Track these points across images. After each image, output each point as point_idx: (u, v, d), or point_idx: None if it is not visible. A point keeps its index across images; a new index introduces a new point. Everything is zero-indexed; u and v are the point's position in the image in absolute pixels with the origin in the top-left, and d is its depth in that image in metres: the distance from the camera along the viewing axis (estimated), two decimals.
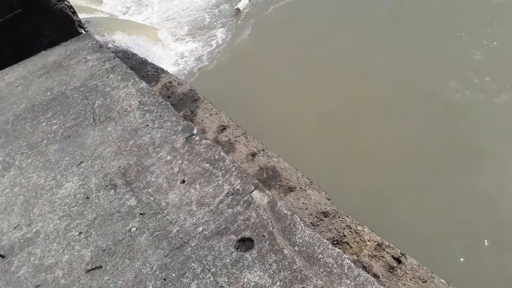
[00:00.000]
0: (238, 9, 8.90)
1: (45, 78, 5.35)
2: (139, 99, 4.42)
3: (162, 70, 6.19)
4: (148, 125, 3.99)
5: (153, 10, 10.38)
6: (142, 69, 6.42)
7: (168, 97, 5.53)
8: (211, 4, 9.81)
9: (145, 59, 6.76)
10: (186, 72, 7.50)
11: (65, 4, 5.08)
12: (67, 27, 5.20)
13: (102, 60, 5.32)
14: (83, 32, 5.78)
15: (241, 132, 4.18)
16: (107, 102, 4.53)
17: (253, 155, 3.81)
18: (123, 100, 4.47)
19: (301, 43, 7.30)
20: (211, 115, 4.65)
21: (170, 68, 7.70)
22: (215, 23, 8.81)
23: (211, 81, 7.00)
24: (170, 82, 5.74)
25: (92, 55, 5.46)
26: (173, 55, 7.92)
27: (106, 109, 4.41)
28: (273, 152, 3.62)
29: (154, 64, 6.47)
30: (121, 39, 7.62)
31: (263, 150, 3.80)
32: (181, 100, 5.37)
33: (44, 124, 4.46)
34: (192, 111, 5.01)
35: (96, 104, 4.53)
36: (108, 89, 4.83)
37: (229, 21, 8.96)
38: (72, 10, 5.30)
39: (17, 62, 5.36)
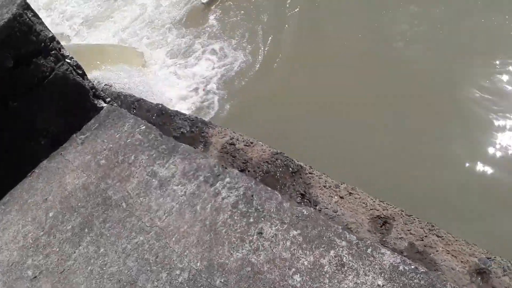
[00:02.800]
0: (204, 3, 7.19)
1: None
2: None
3: (203, 122, 4.31)
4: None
5: (108, 25, 8.05)
6: (169, 123, 4.44)
7: (242, 170, 3.72)
8: (181, 4, 7.85)
9: (163, 106, 4.77)
10: (208, 107, 5.62)
11: (68, 64, 2.89)
12: (77, 104, 2.95)
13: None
14: (104, 105, 3.52)
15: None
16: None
17: None
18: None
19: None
20: (342, 198, 3.04)
21: (184, 105, 5.75)
22: (202, 32, 6.99)
23: (246, 118, 5.27)
24: (232, 143, 3.91)
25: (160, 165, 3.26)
26: (182, 87, 5.92)
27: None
28: None
29: (183, 114, 4.53)
30: (109, 76, 5.45)
31: None
32: (267, 174, 3.60)
33: None
34: (303, 194, 3.31)
35: None
36: None
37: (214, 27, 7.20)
38: (80, 71, 3.05)
39: None
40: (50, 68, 2.56)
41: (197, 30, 7.05)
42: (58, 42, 2.61)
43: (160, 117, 4.64)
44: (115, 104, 3.33)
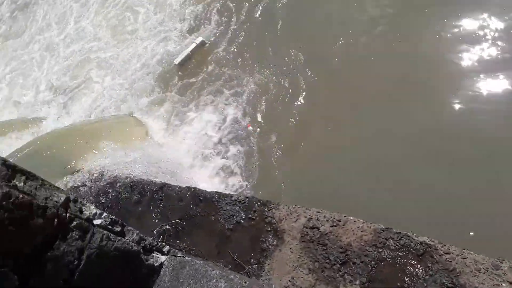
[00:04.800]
0: (179, 62, 6.39)
1: None
2: None
3: (261, 203, 3.39)
4: None
5: (83, 99, 6.90)
6: (215, 212, 3.50)
7: (343, 263, 2.81)
8: (154, 60, 6.82)
9: (196, 189, 3.84)
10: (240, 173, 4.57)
11: (99, 228, 1.67)
12: (127, 277, 1.73)
13: None
14: (162, 258, 2.12)
15: None
16: None
17: None
18: None
19: None
20: None
21: (206, 171, 4.69)
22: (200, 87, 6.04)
23: None
24: (314, 227, 3.03)
25: None
26: (196, 150, 4.83)
27: None
28: None
29: (228, 196, 3.61)
30: (109, 162, 4.36)
31: None
32: (383, 263, 2.72)
33: None
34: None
35: None
36: None
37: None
38: (118, 227, 1.88)
39: None
40: (77, 250, 1.53)
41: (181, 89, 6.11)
42: (76, 201, 1.59)
43: (199, 207, 3.64)
44: (176, 251, 2.14)
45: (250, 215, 3.34)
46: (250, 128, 5.16)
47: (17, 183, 1.37)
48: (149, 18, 7.49)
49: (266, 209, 3.31)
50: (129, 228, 1.90)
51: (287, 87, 5.46)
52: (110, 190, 4.30)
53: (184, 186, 3.90)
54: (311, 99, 5.26)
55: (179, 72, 6.49)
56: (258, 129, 5.13)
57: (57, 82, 7.47)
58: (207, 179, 4.63)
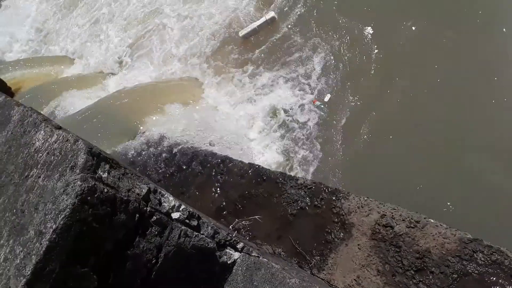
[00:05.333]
0: (242, 36, 5.91)
1: None
2: None
3: (329, 191, 3.15)
4: None
5: (156, 48, 6.82)
6: (278, 195, 3.32)
7: (418, 270, 2.52)
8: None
9: (260, 167, 3.66)
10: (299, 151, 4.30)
11: (178, 223, 1.52)
12: (199, 276, 1.58)
13: None
14: (236, 255, 1.90)
15: None
16: None
17: None
18: None
19: None
20: None
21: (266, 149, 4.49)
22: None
23: None
24: (387, 225, 2.74)
25: None
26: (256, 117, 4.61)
27: None
28: None
29: (294, 179, 3.40)
30: (171, 127, 4.30)
31: None
32: (467, 277, 2.41)
33: None
34: None
35: None
36: None
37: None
38: (194, 221, 1.67)
39: None
40: (156, 247, 1.41)
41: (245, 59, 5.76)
42: (155, 191, 1.45)
43: (261, 186, 3.49)
44: (250, 249, 1.93)
45: (316, 202, 3.14)
46: (317, 103, 4.82)
47: (101, 173, 1.26)
48: None
49: (334, 198, 3.09)
50: (204, 220, 1.77)
51: (357, 63, 5.01)
52: (170, 157, 4.28)
53: (247, 162, 3.76)
54: (383, 79, 4.78)
55: (241, 46, 6.14)
56: (323, 107, 4.79)
57: (127, 40, 7.51)
58: (266, 154, 4.44)
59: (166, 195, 1.55)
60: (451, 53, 4.46)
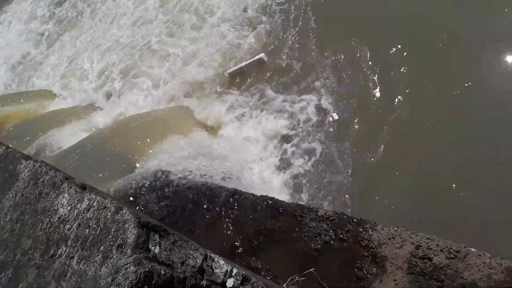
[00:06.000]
0: (229, 73, 5.89)
1: None
2: None
3: (354, 221, 2.97)
4: None
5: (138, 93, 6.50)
6: (298, 229, 3.12)
7: None
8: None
9: (274, 199, 3.45)
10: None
11: None
12: None
13: None
14: None
15: None
16: None
17: None
18: None
19: None
20: None
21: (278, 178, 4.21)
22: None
23: None
24: (424, 257, 2.55)
25: None
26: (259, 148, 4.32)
27: None
28: None
29: (314, 210, 3.21)
30: (170, 160, 4.03)
31: None
32: None
33: None
34: None
35: None
36: None
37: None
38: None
39: None
40: None
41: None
42: (206, 256, 1.20)
43: (278, 220, 3.25)
44: None
45: (341, 235, 2.92)
46: (331, 118, 4.58)
47: (153, 249, 1.02)
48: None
49: (361, 229, 2.87)
50: (254, 280, 1.52)
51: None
52: (173, 192, 4.00)
53: (259, 194, 3.53)
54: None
55: (229, 84, 5.99)
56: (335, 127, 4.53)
57: (113, 68, 7.23)
58: (277, 184, 4.21)
59: (216, 259, 1.32)
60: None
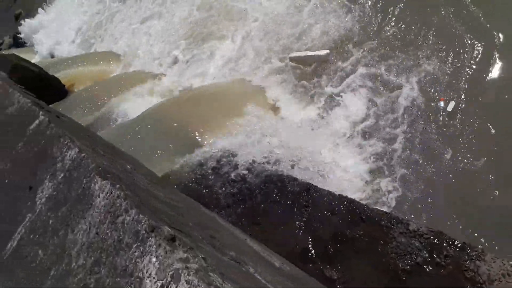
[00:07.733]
0: (292, 59, 5.24)
1: None
2: None
3: (458, 246, 2.45)
4: None
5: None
6: (384, 241, 2.69)
7: None
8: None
9: (356, 202, 3.05)
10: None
11: None
12: None
13: None
14: None
15: None
16: None
17: None
18: None
19: None
20: None
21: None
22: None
23: None
24: None
25: None
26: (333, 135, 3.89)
27: None
28: None
29: (402, 221, 2.75)
30: (240, 141, 3.76)
31: None
32: None
33: None
34: None
35: None
36: None
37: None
38: None
39: None
40: None
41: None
42: None
43: (360, 227, 2.86)
44: None
45: (438, 259, 2.47)
46: (443, 104, 3.80)
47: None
48: None
49: (465, 257, 2.40)
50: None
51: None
52: (240, 179, 3.74)
53: (337, 193, 3.14)
54: None
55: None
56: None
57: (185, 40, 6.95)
58: (355, 178, 3.76)
59: None
60: None
